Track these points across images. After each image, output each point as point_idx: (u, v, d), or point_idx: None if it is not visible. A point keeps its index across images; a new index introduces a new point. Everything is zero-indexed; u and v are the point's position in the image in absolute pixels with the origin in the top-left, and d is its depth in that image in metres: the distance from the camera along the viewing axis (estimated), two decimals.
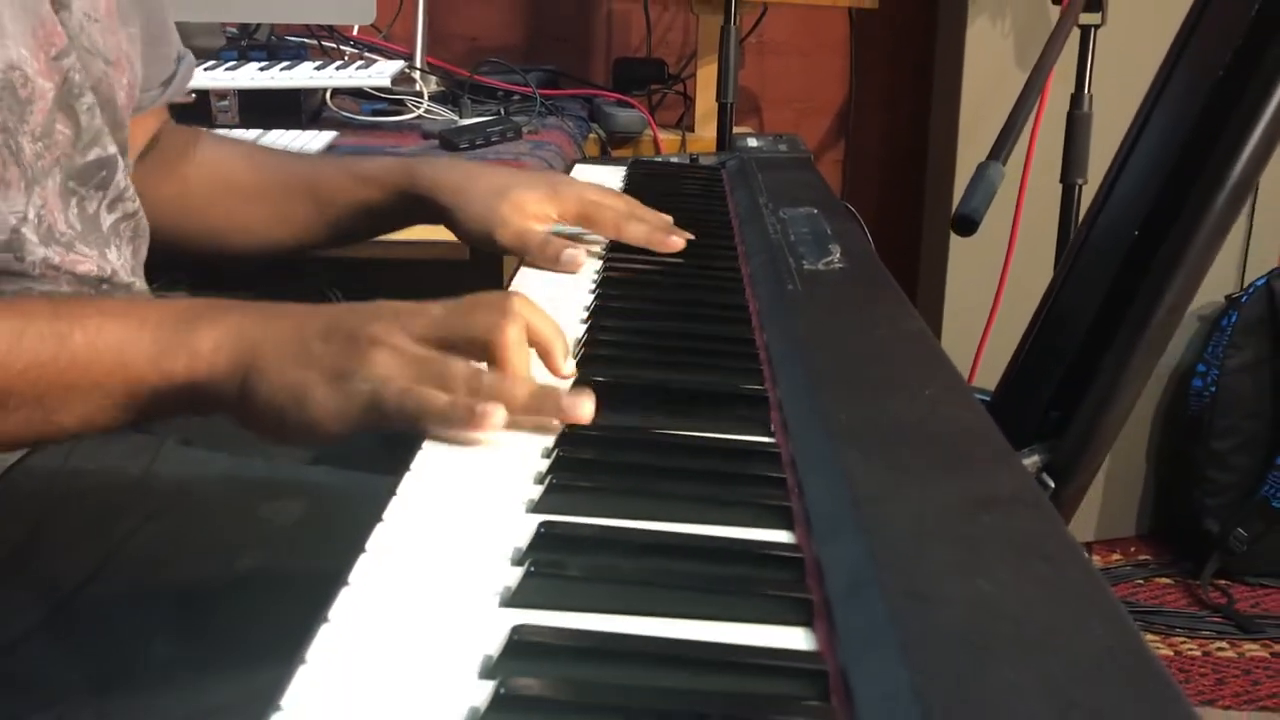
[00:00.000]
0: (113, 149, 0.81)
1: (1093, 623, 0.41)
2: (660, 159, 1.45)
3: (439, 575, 0.43)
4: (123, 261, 0.83)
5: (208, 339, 0.58)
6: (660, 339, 0.71)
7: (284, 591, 0.66)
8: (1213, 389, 2.09)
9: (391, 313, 0.58)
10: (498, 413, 0.53)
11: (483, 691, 0.37)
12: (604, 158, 1.50)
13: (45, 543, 0.69)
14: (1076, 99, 1.36)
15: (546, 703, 0.36)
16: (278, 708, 0.35)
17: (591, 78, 2.16)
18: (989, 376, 1.37)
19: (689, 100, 1.96)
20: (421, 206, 0.91)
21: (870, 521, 0.46)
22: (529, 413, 0.56)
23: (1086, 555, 0.45)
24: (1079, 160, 1.34)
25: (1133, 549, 2.21)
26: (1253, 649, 1.94)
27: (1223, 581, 2.09)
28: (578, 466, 0.52)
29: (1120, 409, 0.84)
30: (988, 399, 0.98)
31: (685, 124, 1.95)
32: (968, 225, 0.92)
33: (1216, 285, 2.12)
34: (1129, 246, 0.88)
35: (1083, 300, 0.92)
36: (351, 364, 0.56)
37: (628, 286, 0.84)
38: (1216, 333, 2.11)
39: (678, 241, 0.88)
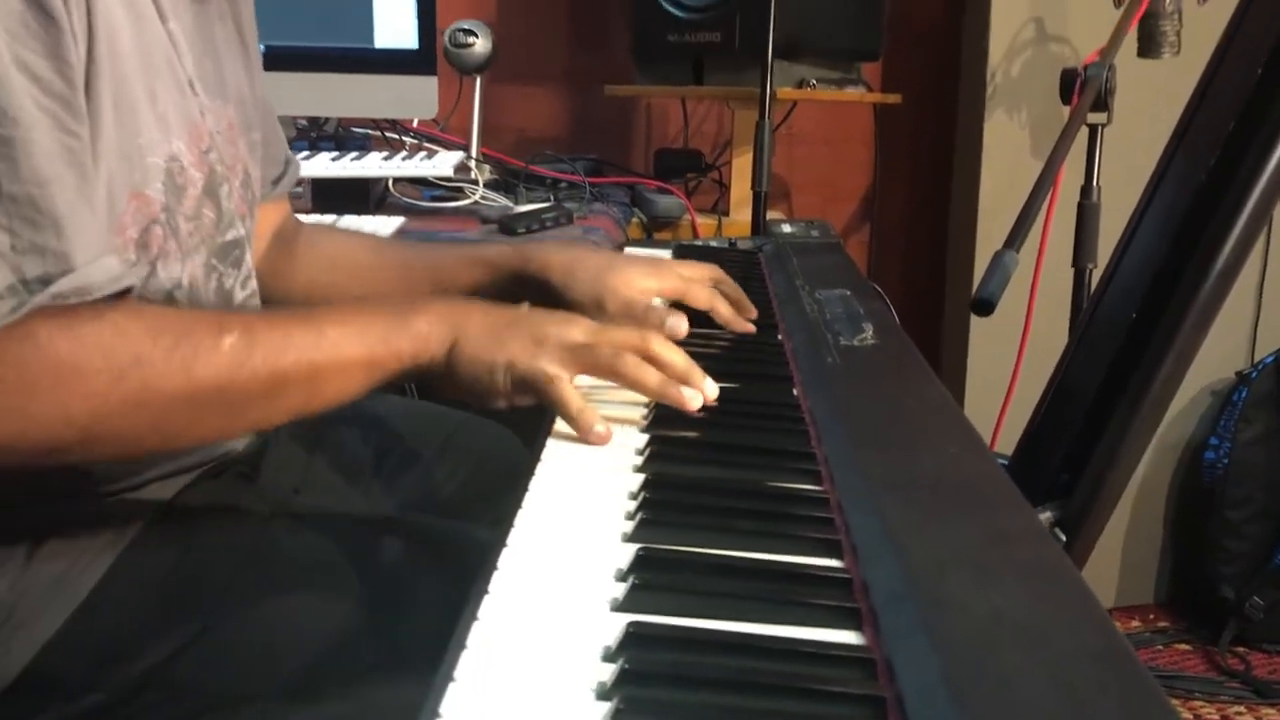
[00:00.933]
0: (243, 233, 0.94)
1: (1085, 627, 0.51)
2: (701, 243, 1.57)
3: (557, 592, 0.54)
4: None
5: (423, 323, 0.78)
6: (721, 402, 0.82)
7: (401, 611, 0.77)
8: (1225, 461, 2.18)
9: (565, 319, 0.80)
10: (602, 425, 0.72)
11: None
12: (650, 241, 1.63)
13: (198, 560, 0.81)
14: (1086, 190, 1.48)
15: (659, 678, 0.47)
16: (436, 715, 0.43)
17: (632, 165, 2.30)
18: (1009, 443, 1.47)
19: (724, 186, 2.10)
20: (533, 286, 1.03)
21: (903, 550, 0.56)
22: (657, 391, 0.76)
23: (1081, 578, 0.56)
24: (1088, 246, 1.45)
25: (1151, 616, 2.29)
26: (1270, 714, 2.00)
27: (1240, 648, 2.15)
28: (661, 506, 0.63)
29: (1122, 471, 0.95)
30: (1006, 462, 1.09)
31: (721, 208, 2.08)
32: (985, 307, 1.03)
33: (1227, 361, 2.22)
34: (1128, 326, 0.99)
35: (1089, 374, 1.03)
36: (529, 351, 0.77)
37: (694, 357, 0.96)
38: (1228, 407, 2.21)
39: (750, 326, 1.01)
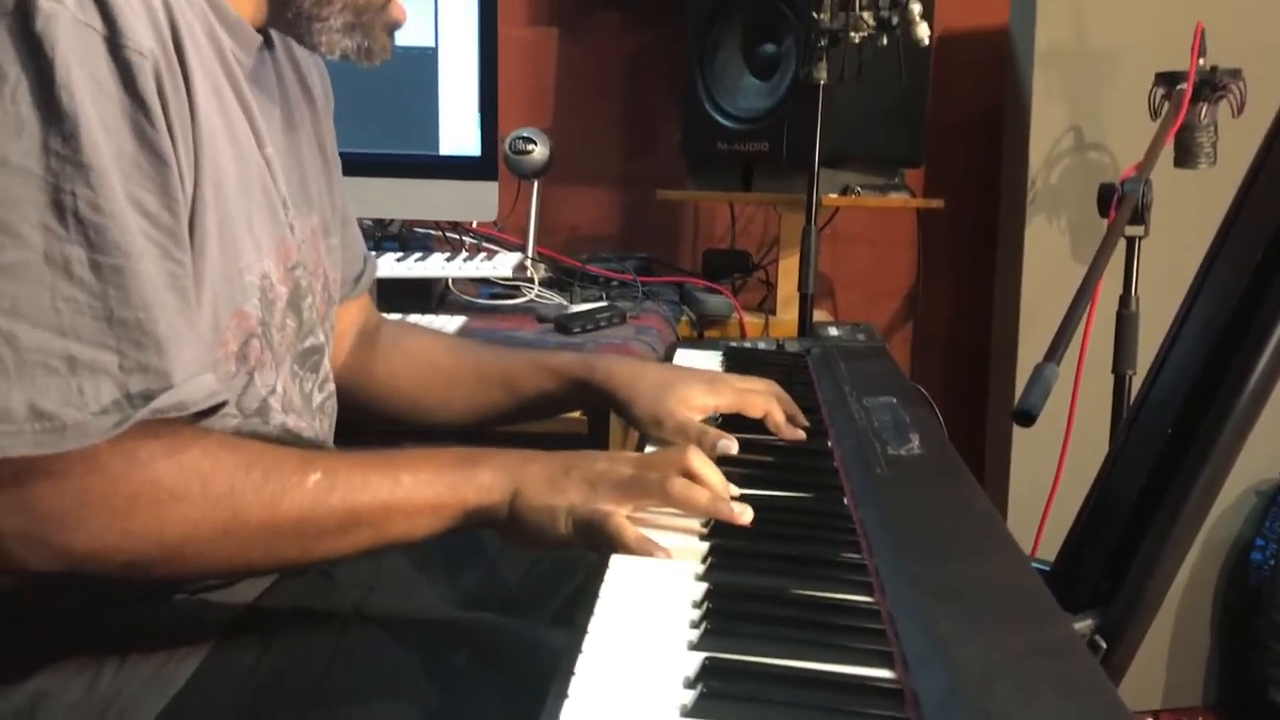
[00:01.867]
0: (322, 339, 1.01)
1: None
2: (750, 344, 1.63)
3: (632, 697, 0.59)
4: (325, 432, 1.03)
5: (486, 475, 0.84)
6: (776, 511, 0.87)
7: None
8: (1271, 562, 2.18)
9: (611, 458, 0.86)
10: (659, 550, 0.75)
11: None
12: (700, 341, 1.68)
13: (280, 662, 0.86)
14: (1124, 299, 1.53)
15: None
16: None
17: (680, 263, 2.37)
18: (1051, 547, 1.50)
19: (770, 285, 2.16)
20: (597, 396, 1.10)
21: (950, 662, 0.61)
22: (706, 509, 0.81)
23: (1116, 694, 0.60)
24: (1128, 354, 1.50)
25: (1200, 718, 2.27)
26: None
27: None
28: (724, 616, 0.68)
29: (1162, 580, 0.98)
30: (1047, 568, 1.12)
31: (768, 307, 2.14)
32: (1027, 419, 1.08)
33: (1272, 462, 2.24)
34: (1166, 438, 1.03)
35: (1128, 483, 1.07)
36: (585, 495, 0.83)
37: (749, 466, 1.01)
38: (1274, 508, 2.21)
39: (801, 434, 1.07)
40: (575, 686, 0.59)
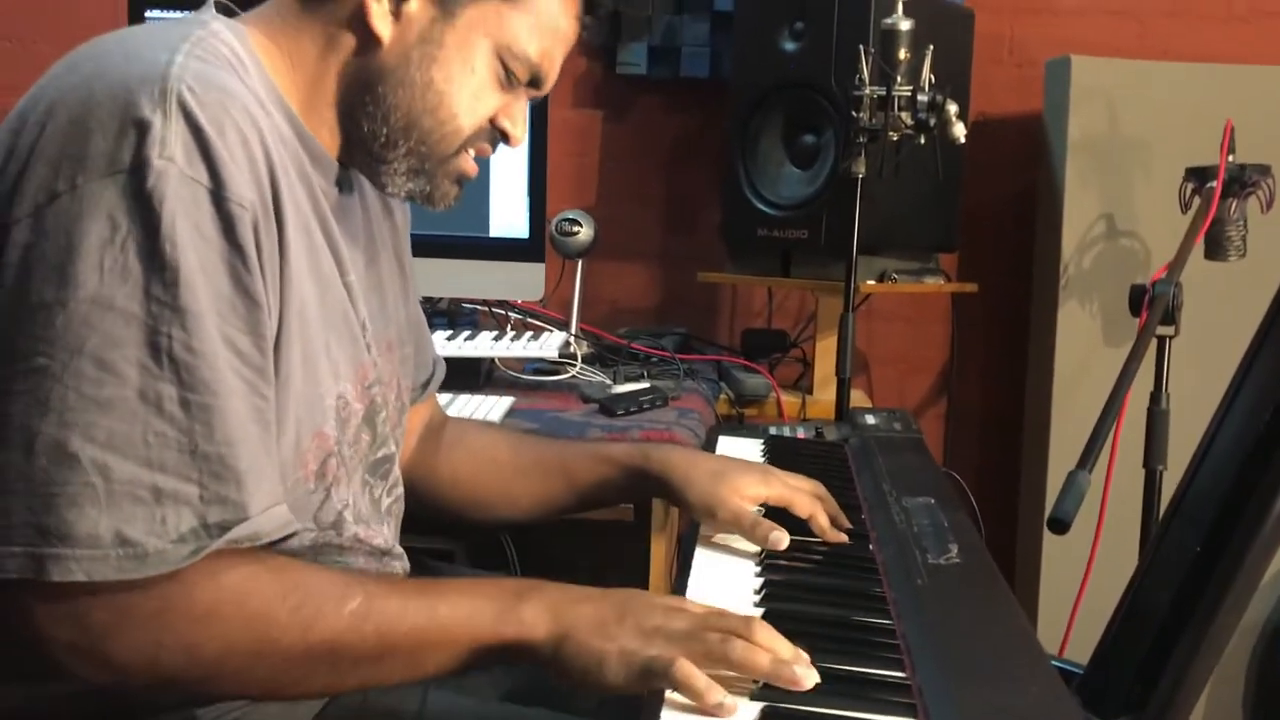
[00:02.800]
0: (394, 448, 1.07)
1: None
2: (789, 432, 1.67)
3: None
4: (392, 535, 1.08)
5: (530, 612, 0.84)
6: (822, 626, 0.91)
7: None
8: None
9: (666, 607, 0.84)
10: (727, 699, 0.77)
11: None
12: (741, 428, 1.73)
13: None
14: (1155, 397, 1.57)
15: None
16: None
17: (717, 338, 2.44)
18: (1080, 641, 1.54)
19: (807, 364, 2.22)
20: (653, 484, 1.16)
21: None
22: (769, 674, 0.79)
23: None
24: (1158, 450, 1.54)
25: None
26: None
27: None
28: None
29: (1193, 687, 1.01)
30: (1080, 671, 1.16)
31: (804, 385, 2.19)
32: (1060, 527, 1.13)
33: None
34: (1194, 557, 1.07)
35: (1160, 591, 1.11)
36: (639, 642, 0.82)
37: (791, 572, 1.06)
38: None
39: (843, 536, 1.11)
40: None
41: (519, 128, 1.01)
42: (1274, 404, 1.09)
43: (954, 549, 1.09)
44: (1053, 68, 2.23)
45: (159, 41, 0.85)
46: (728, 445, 1.55)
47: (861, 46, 1.73)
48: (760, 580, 1.03)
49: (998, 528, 2.35)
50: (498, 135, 1.01)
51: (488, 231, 2.03)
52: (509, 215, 2.03)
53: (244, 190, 0.81)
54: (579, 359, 2.04)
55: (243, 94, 0.85)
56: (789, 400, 2.09)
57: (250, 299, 0.81)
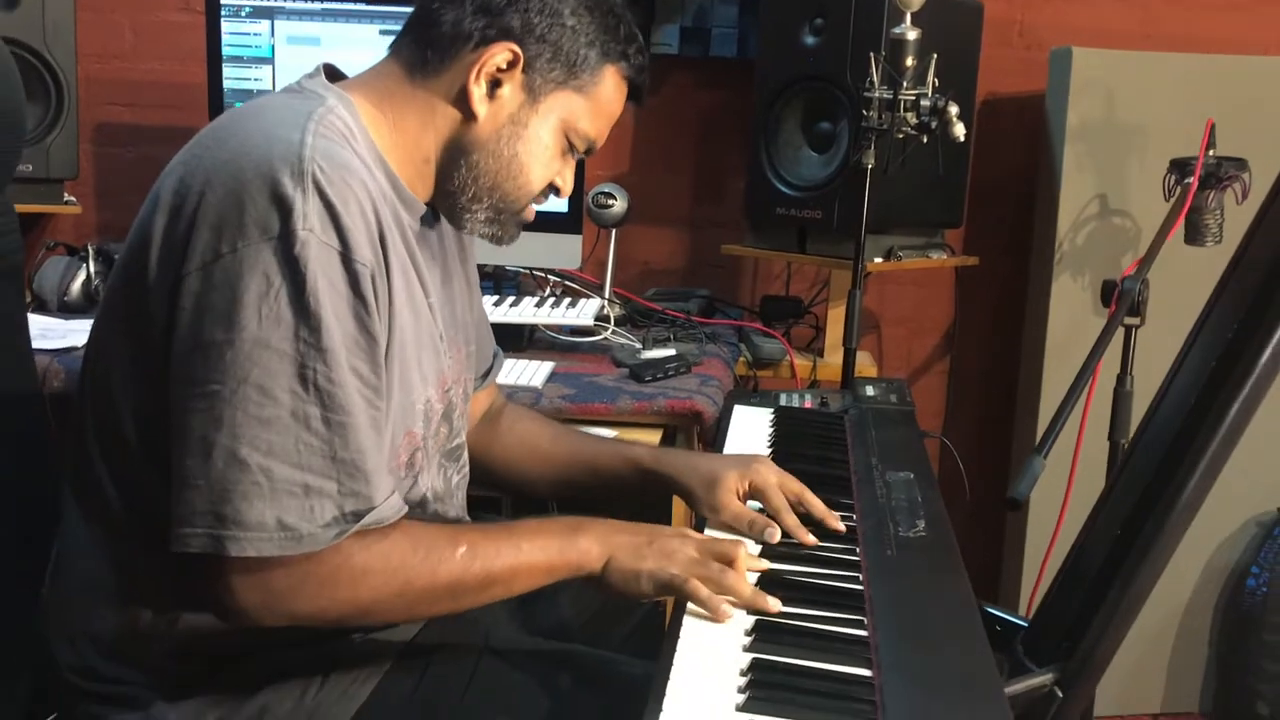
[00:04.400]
0: (464, 438, 1.31)
1: None
2: (798, 401, 1.87)
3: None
4: (459, 506, 1.32)
5: (585, 542, 1.12)
6: (805, 592, 1.14)
7: None
8: (1265, 589, 2.42)
9: (678, 535, 1.14)
10: (727, 607, 1.05)
11: None
12: (755, 396, 1.92)
13: (431, 686, 1.16)
14: (1121, 379, 1.78)
15: None
16: None
17: (739, 299, 2.64)
18: None
19: (820, 330, 2.43)
20: (664, 485, 1.37)
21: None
22: (748, 602, 1.06)
23: None
24: (1122, 425, 1.75)
25: None
26: None
27: None
28: (760, 685, 0.95)
29: (1109, 645, 1.22)
30: (1026, 625, 1.38)
31: (815, 348, 2.41)
32: (1015, 505, 1.35)
33: (1273, 494, 2.47)
34: (1122, 523, 1.27)
35: (1096, 553, 1.31)
36: (663, 563, 1.11)
37: (792, 544, 1.28)
38: (1269, 539, 2.45)
39: (810, 539, 1.26)
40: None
41: (569, 185, 1.25)
42: (1208, 374, 1.27)
43: (921, 524, 1.31)
44: (1056, 56, 2.39)
45: (289, 120, 1.06)
46: (742, 414, 1.77)
47: (871, 53, 1.90)
48: (760, 546, 1.26)
49: (992, 481, 2.57)
50: (551, 190, 1.23)
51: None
52: None
53: (364, 251, 1.03)
54: (612, 322, 2.26)
55: (358, 167, 1.06)
56: (801, 363, 2.31)
57: (370, 337, 1.04)
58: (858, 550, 1.26)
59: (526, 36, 1.16)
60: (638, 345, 2.17)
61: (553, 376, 1.98)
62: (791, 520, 1.28)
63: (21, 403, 1.34)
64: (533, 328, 2.24)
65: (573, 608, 1.42)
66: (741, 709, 0.93)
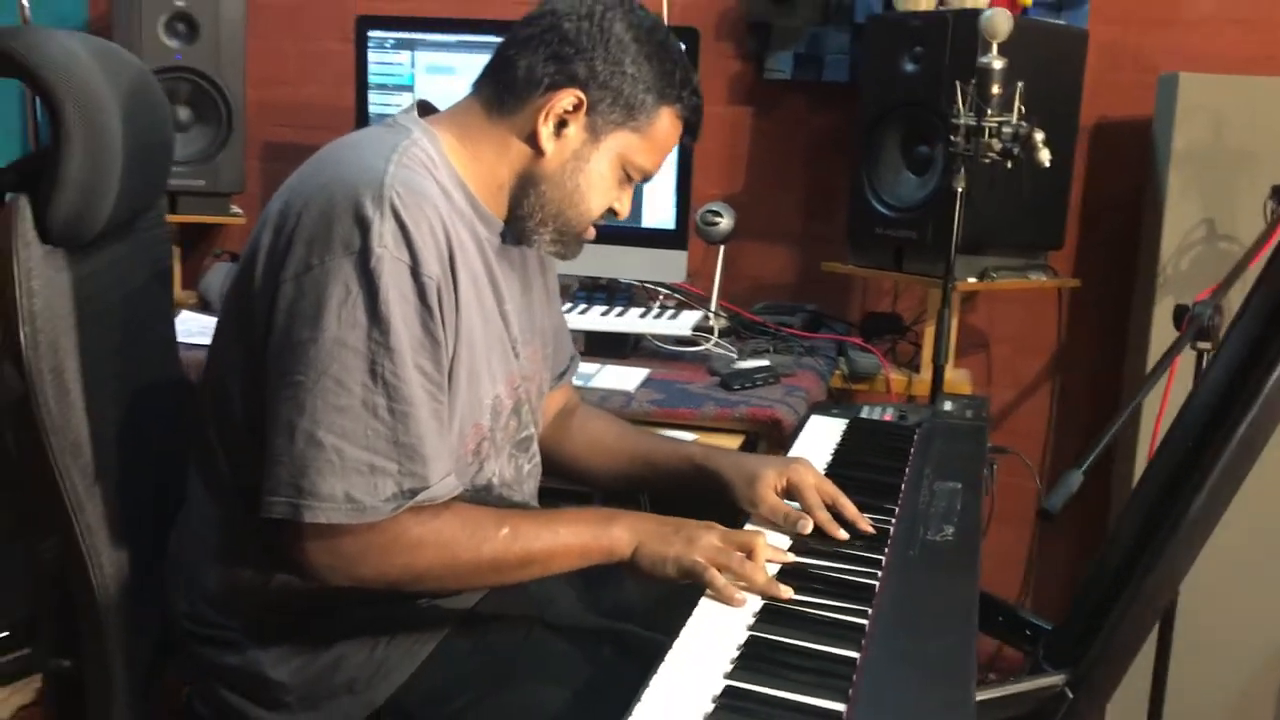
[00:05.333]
0: (533, 429, 1.46)
1: None
2: (880, 414, 1.94)
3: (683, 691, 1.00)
4: (530, 491, 1.48)
5: (617, 529, 1.25)
6: (822, 584, 1.25)
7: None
8: None
9: (704, 526, 1.24)
10: (740, 594, 1.16)
11: None
12: (836, 407, 2.01)
13: (487, 651, 1.32)
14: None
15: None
16: None
17: (847, 313, 2.73)
18: None
19: (918, 347, 2.50)
20: (713, 480, 1.49)
21: (883, 707, 0.99)
22: (761, 588, 1.17)
23: None
24: None
25: None
26: None
27: None
28: (749, 657, 1.07)
29: (1121, 650, 1.28)
30: (1049, 628, 1.44)
31: (914, 364, 2.48)
32: (1047, 516, 1.41)
33: None
34: (1136, 532, 1.32)
35: (1114, 560, 1.36)
36: (686, 550, 1.22)
37: (817, 535, 1.38)
38: None
39: (842, 534, 1.37)
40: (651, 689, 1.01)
41: (626, 209, 1.40)
42: (1223, 390, 1.30)
43: (950, 529, 1.40)
44: (1164, 82, 2.40)
45: (377, 151, 1.24)
46: (816, 423, 1.87)
47: (958, 81, 1.98)
48: (789, 541, 1.37)
49: (1092, 498, 2.58)
50: (610, 213, 1.38)
51: (640, 222, 2.39)
52: (659, 208, 2.39)
53: (432, 266, 1.19)
54: (715, 333, 2.39)
55: (433, 193, 1.23)
56: (897, 378, 2.39)
57: (434, 339, 1.20)
58: (886, 550, 1.36)
59: (590, 83, 1.30)
60: (734, 356, 2.29)
61: (647, 382, 2.12)
62: (824, 515, 1.38)
63: (167, 386, 1.56)
64: (638, 337, 2.39)
65: (637, 591, 1.55)
66: (728, 676, 1.05)
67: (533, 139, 1.32)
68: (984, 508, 1.54)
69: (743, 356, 2.29)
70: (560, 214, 1.34)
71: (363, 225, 1.16)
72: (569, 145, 1.32)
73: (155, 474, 1.44)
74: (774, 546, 1.29)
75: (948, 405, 1.97)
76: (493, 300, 1.35)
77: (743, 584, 1.21)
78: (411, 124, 1.32)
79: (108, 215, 1.27)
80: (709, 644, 1.11)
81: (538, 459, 1.50)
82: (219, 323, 1.32)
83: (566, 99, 1.30)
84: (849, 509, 1.40)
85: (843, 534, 1.36)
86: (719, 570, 1.21)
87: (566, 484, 1.62)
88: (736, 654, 1.09)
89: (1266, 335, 1.25)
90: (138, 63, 1.40)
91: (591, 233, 1.39)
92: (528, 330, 1.44)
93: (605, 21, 1.31)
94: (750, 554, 1.23)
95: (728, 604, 1.18)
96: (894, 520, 1.44)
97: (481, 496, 1.35)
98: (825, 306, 2.67)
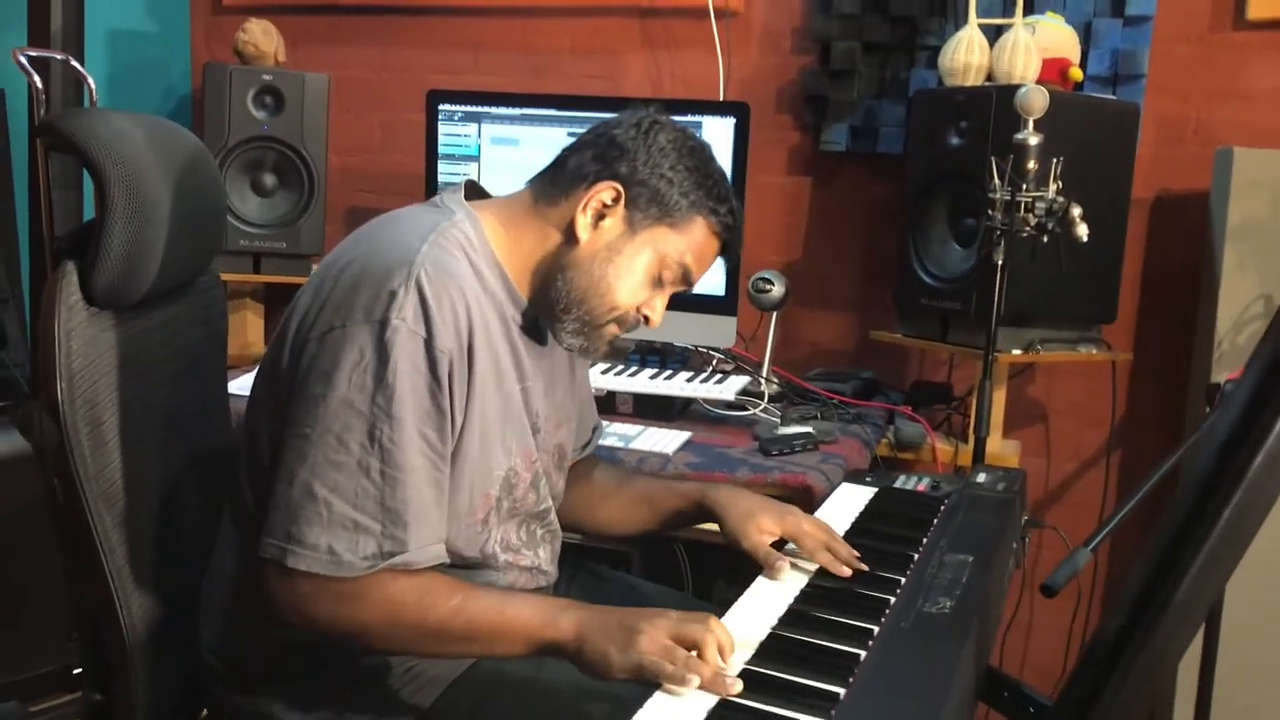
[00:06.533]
0: (551, 503, 1.52)
1: None
2: (914, 484, 1.96)
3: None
4: (545, 557, 1.53)
5: (565, 622, 1.21)
6: (808, 649, 1.27)
7: None
8: None
9: (649, 618, 1.18)
10: (695, 681, 1.14)
11: None
12: (870, 476, 2.02)
13: (487, 701, 1.37)
14: None
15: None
16: None
17: (902, 381, 2.74)
18: None
19: (966, 417, 2.49)
20: (708, 516, 1.54)
21: None
22: (708, 684, 1.15)
23: None
24: None
25: None
26: None
27: None
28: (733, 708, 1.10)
29: None
30: (1050, 704, 1.43)
31: (964, 434, 2.47)
32: (1049, 593, 1.41)
33: None
34: (1133, 602, 1.30)
35: (1107, 638, 1.34)
36: (631, 646, 1.18)
37: (817, 603, 1.40)
38: None
39: (846, 570, 1.42)
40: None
41: (657, 316, 1.44)
42: (1218, 454, 1.28)
43: (948, 602, 1.41)
44: (1220, 156, 2.38)
45: (416, 230, 1.32)
46: (844, 491, 1.89)
47: (993, 157, 2.01)
48: (785, 608, 1.40)
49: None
50: (641, 319, 1.43)
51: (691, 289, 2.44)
52: (710, 276, 2.43)
53: (448, 342, 1.26)
54: (765, 398, 2.42)
55: (462, 273, 1.30)
56: (943, 448, 2.38)
57: (440, 411, 1.27)
58: (881, 620, 1.38)
59: (630, 179, 1.39)
60: (776, 421, 2.32)
61: (687, 445, 2.16)
62: (825, 557, 1.43)
63: (213, 440, 1.67)
64: (687, 400, 2.44)
65: None
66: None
67: (571, 228, 1.39)
68: (1013, 581, 1.53)
69: (786, 422, 2.31)
70: (584, 301, 1.39)
71: (388, 297, 1.24)
72: (603, 236, 1.39)
73: (195, 524, 1.54)
74: (729, 637, 1.21)
75: (981, 477, 1.96)
76: (514, 378, 1.41)
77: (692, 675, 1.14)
78: (456, 205, 1.41)
79: (152, 280, 1.38)
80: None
81: (556, 527, 1.56)
82: (258, 371, 1.42)
83: (606, 191, 1.38)
84: (842, 551, 1.44)
85: (846, 571, 1.40)
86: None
87: (596, 541, 1.68)
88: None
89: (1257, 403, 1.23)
90: (193, 140, 1.52)
91: (617, 333, 1.43)
92: (550, 409, 1.51)
93: (652, 131, 1.40)
94: (699, 650, 1.16)
95: (680, 686, 1.13)
96: (897, 591, 1.46)
97: (489, 563, 1.41)
98: (882, 374, 2.68)
